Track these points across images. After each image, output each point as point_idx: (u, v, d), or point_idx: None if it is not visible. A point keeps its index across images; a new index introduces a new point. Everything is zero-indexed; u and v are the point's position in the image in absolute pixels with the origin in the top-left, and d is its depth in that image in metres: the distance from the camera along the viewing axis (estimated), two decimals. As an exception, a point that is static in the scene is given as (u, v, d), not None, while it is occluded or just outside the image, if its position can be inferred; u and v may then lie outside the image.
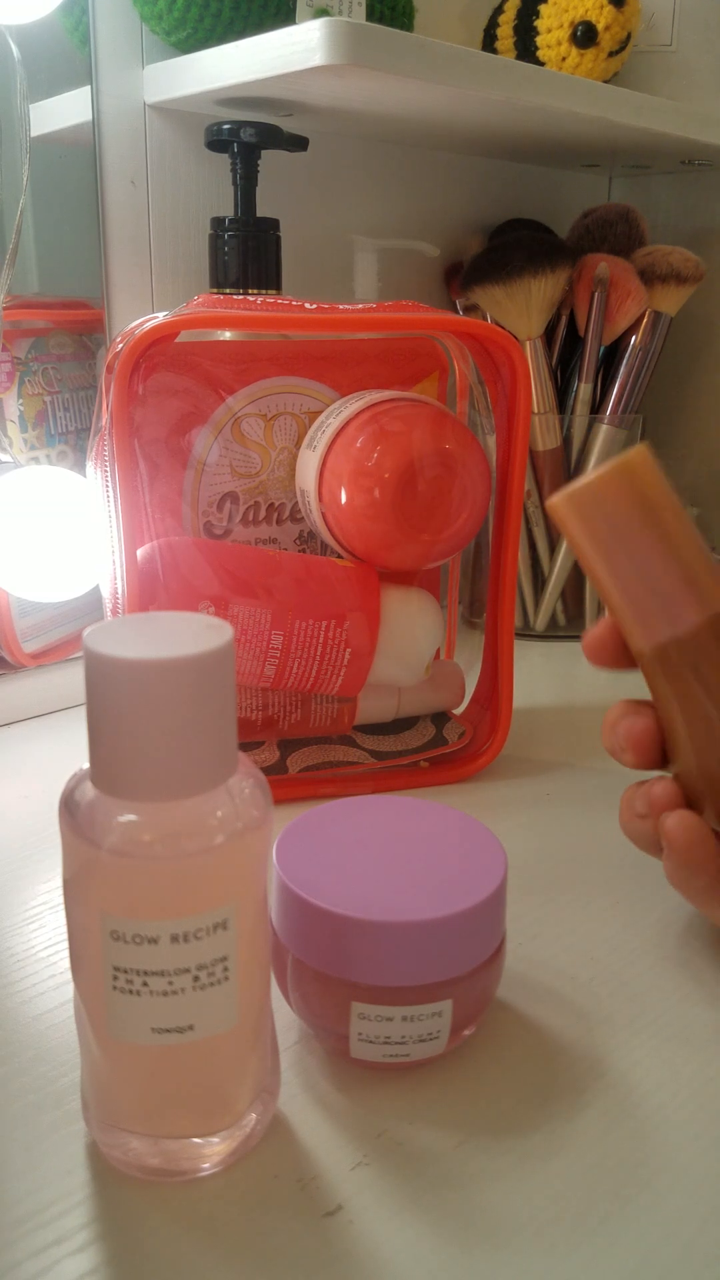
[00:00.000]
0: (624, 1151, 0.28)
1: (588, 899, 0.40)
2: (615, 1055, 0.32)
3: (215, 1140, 0.27)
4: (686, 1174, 0.28)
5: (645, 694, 0.35)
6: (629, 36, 0.62)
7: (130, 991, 0.25)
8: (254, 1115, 0.28)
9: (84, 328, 0.58)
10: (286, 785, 0.49)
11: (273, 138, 0.55)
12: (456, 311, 0.74)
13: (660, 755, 0.34)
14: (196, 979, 0.25)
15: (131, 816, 0.25)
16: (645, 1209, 0.27)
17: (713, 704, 0.32)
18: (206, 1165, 0.27)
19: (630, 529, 0.32)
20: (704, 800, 0.33)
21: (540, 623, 0.74)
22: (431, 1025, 0.30)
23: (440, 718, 0.53)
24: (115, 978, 0.25)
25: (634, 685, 0.36)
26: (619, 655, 0.34)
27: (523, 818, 0.47)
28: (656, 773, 0.35)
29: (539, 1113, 0.30)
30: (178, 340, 0.46)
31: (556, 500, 0.32)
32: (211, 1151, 0.27)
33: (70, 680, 0.59)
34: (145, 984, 0.25)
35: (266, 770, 0.49)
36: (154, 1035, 0.26)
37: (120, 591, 0.45)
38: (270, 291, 0.56)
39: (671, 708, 0.33)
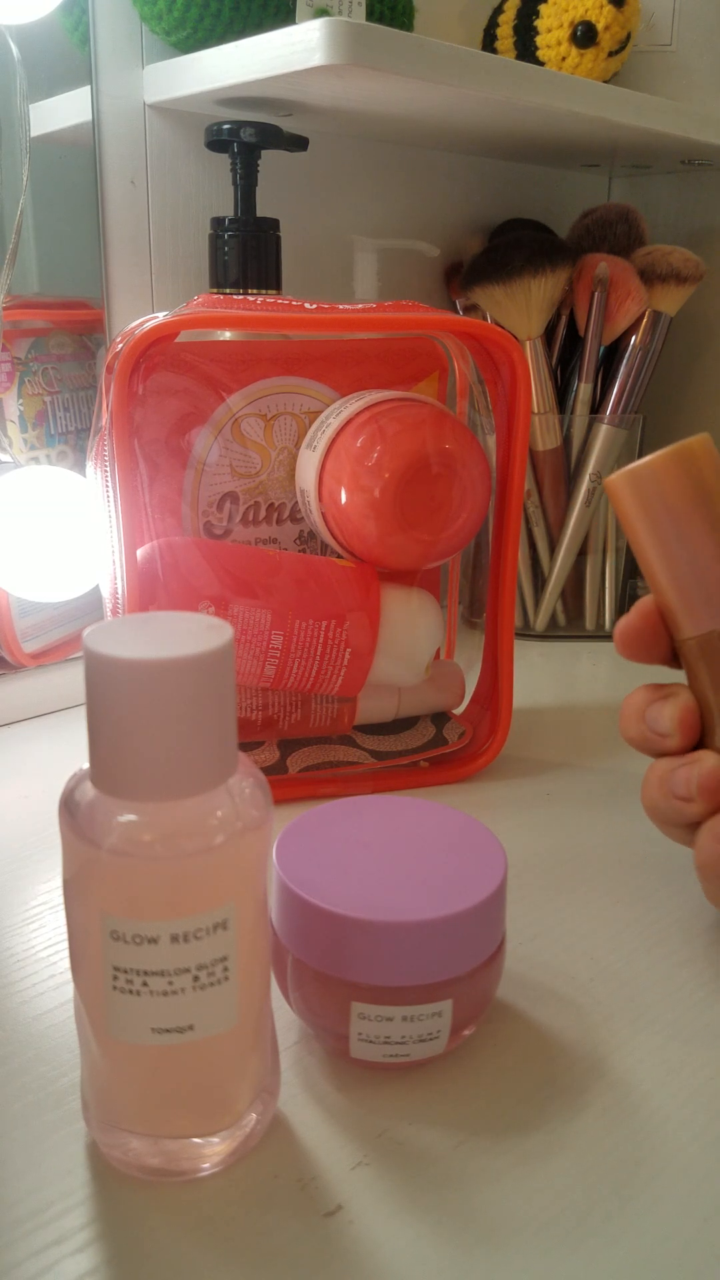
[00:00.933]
0: (624, 1151, 0.28)
1: (588, 899, 0.40)
2: (615, 1055, 0.32)
3: (215, 1140, 0.27)
4: (686, 1174, 0.28)
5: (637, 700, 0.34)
6: (629, 36, 0.62)
7: (130, 991, 0.25)
8: (254, 1115, 0.28)
9: (84, 328, 0.58)
10: (286, 785, 0.49)
11: (272, 138, 0.55)
12: (456, 311, 0.74)
13: (701, 736, 0.34)
14: (196, 979, 0.25)
15: (131, 816, 0.25)
16: (645, 1209, 0.27)
17: None
18: (206, 1165, 0.27)
19: (686, 514, 0.31)
20: None
21: (540, 623, 0.74)
22: (431, 1025, 0.30)
23: (440, 718, 0.53)
24: (115, 978, 0.25)
25: (636, 684, 0.36)
26: (653, 647, 0.34)
27: (523, 818, 0.47)
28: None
29: (539, 1113, 0.30)
30: (178, 340, 0.46)
31: (615, 478, 0.32)
32: (211, 1151, 0.27)
33: (70, 680, 0.59)
34: (145, 984, 0.25)
35: (266, 770, 0.49)
36: (154, 1035, 0.26)
37: (120, 591, 0.45)
38: (270, 291, 0.56)
39: (714, 697, 0.33)
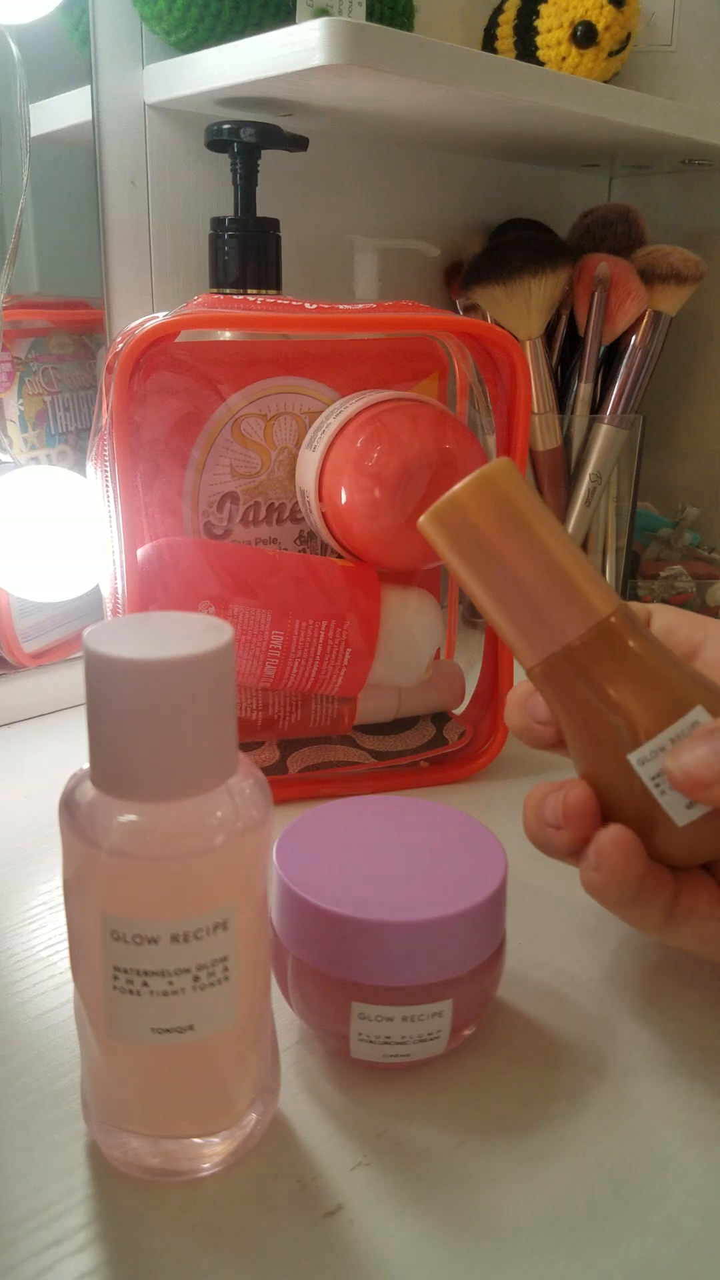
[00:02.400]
0: (624, 1151, 0.28)
1: (588, 899, 0.40)
2: (615, 1055, 0.32)
3: (215, 1140, 0.27)
4: (686, 1174, 0.28)
5: None
6: (629, 36, 0.62)
7: (130, 991, 0.25)
8: (254, 1115, 0.28)
9: (84, 328, 0.58)
10: (286, 785, 0.49)
11: (273, 138, 0.55)
12: (456, 311, 0.74)
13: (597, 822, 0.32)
14: (196, 979, 0.25)
15: (131, 816, 0.25)
16: (645, 1209, 0.27)
17: (609, 710, 0.30)
18: (207, 1165, 0.27)
19: (499, 543, 0.30)
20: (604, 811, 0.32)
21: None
22: (432, 1025, 0.30)
23: (440, 718, 0.53)
24: (115, 978, 0.25)
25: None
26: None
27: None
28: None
29: (539, 1113, 0.30)
30: (178, 340, 0.46)
31: (423, 519, 0.31)
32: (212, 1151, 0.27)
33: (70, 680, 0.59)
34: (145, 984, 0.25)
35: (266, 770, 0.49)
36: (154, 1035, 0.26)
37: (120, 591, 0.45)
38: (270, 291, 0.56)
39: (566, 720, 0.32)
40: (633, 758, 0.30)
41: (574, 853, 0.32)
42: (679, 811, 0.30)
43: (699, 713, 0.30)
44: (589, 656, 0.30)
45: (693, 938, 0.31)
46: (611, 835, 0.30)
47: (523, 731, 0.35)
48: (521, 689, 0.35)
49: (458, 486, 0.30)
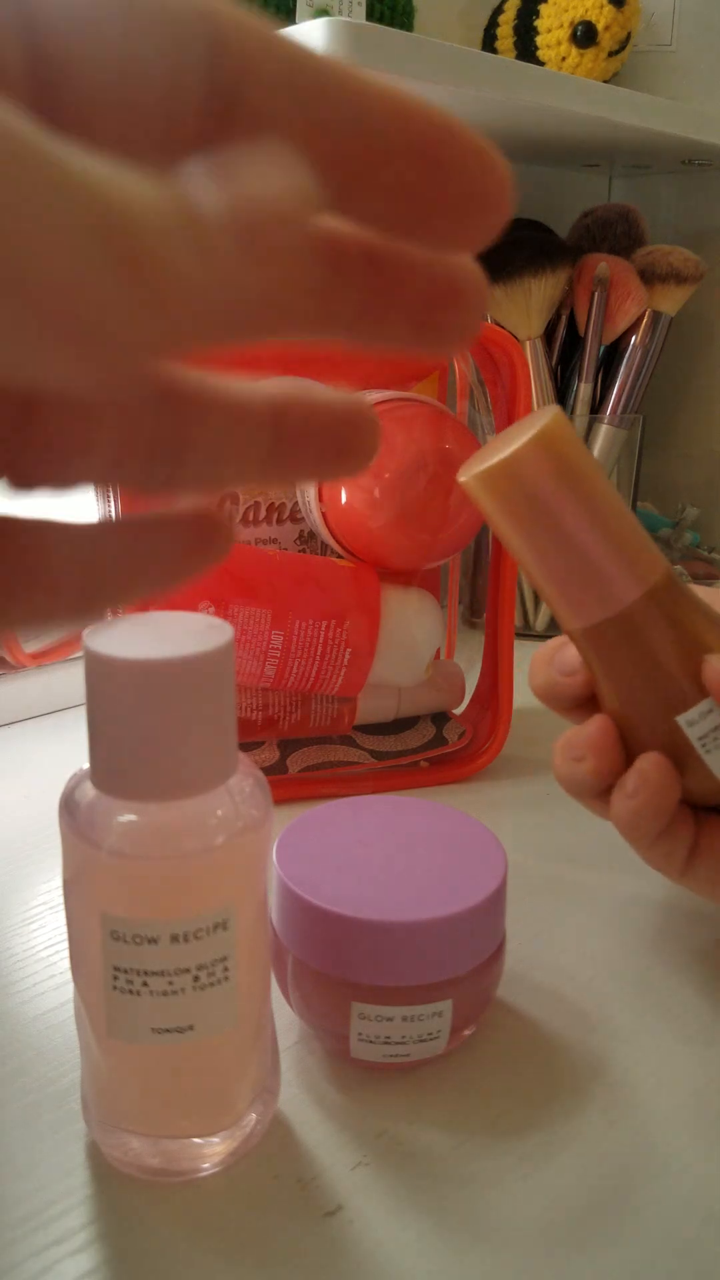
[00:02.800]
0: (624, 1151, 0.28)
1: (588, 899, 0.40)
2: (615, 1055, 0.32)
3: (215, 1140, 0.27)
4: (687, 1174, 0.28)
5: None
6: (629, 36, 0.62)
7: (130, 991, 0.25)
8: (254, 1115, 0.28)
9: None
10: (286, 785, 0.49)
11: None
12: (456, 311, 0.74)
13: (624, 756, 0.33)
14: (196, 979, 0.25)
15: (131, 817, 0.25)
16: (645, 1209, 0.27)
17: (659, 674, 0.30)
18: (206, 1165, 0.27)
19: (554, 506, 0.28)
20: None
21: (540, 623, 0.74)
22: (431, 1025, 0.30)
23: (440, 718, 0.53)
24: (115, 978, 0.25)
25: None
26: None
27: (523, 818, 0.47)
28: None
29: (539, 1113, 0.30)
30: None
31: (469, 480, 0.29)
32: (211, 1151, 0.27)
33: (70, 680, 0.59)
34: (145, 984, 0.25)
35: (266, 770, 0.49)
36: (154, 1035, 0.26)
37: (120, 591, 0.45)
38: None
39: (609, 682, 0.32)
40: (681, 720, 0.30)
41: (601, 789, 0.33)
42: None
43: None
44: (644, 620, 0.30)
45: (708, 879, 0.33)
46: (653, 758, 0.31)
47: (547, 689, 0.34)
48: (549, 647, 0.34)
49: (512, 446, 0.28)
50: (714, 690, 0.30)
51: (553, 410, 0.29)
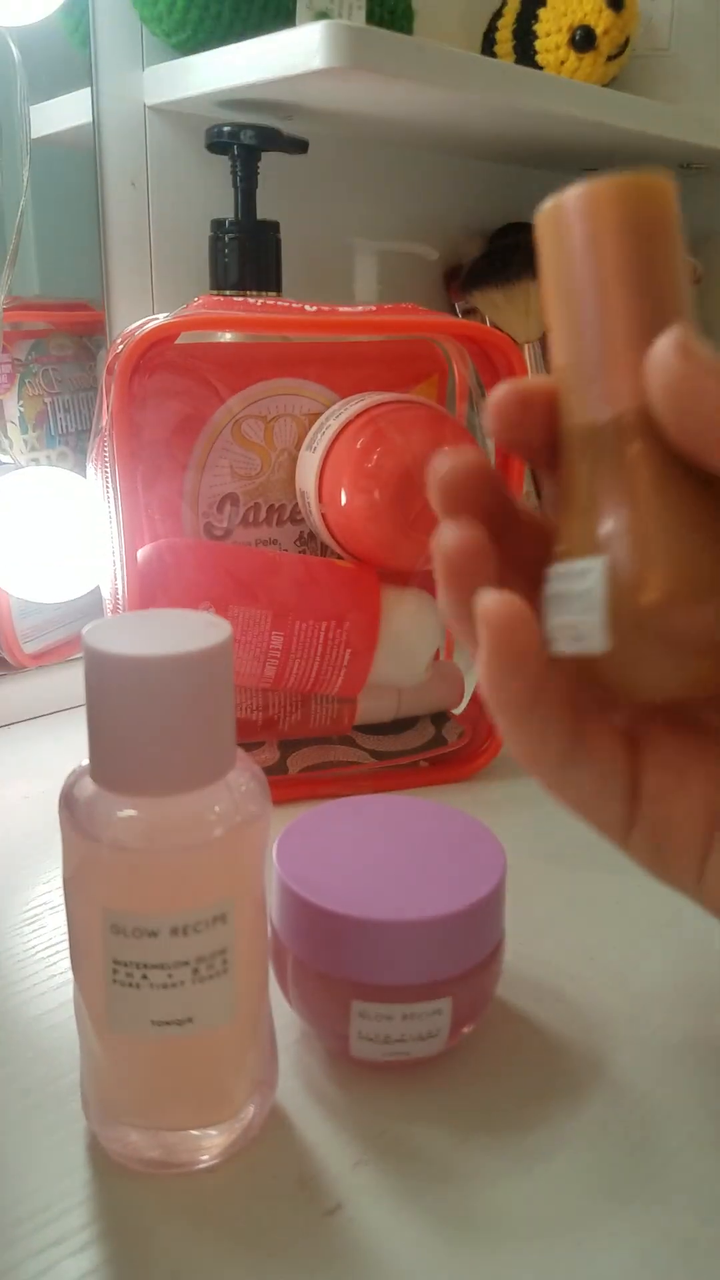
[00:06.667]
0: (624, 1151, 0.28)
1: (588, 899, 0.40)
2: (615, 1055, 0.32)
3: (213, 1132, 0.27)
4: (686, 1174, 0.28)
5: None
6: (627, 40, 0.62)
7: (130, 984, 0.25)
8: (252, 1108, 0.28)
9: (84, 329, 0.58)
10: (287, 785, 0.49)
11: (273, 140, 0.55)
12: (456, 315, 0.74)
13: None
14: (196, 971, 0.25)
15: (130, 811, 0.25)
16: (645, 1209, 0.27)
17: (654, 490, 0.23)
18: (205, 1157, 0.27)
19: (620, 268, 0.24)
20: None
21: (539, 625, 0.74)
22: (431, 1023, 0.30)
23: (440, 718, 0.53)
24: (115, 971, 0.25)
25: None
26: (529, 424, 0.26)
27: (523, 817, 0.47)
28: None
29: (539, 1112, 0.30)
30: (178, 342, 0.47)
31: (545, 209, 0.24)
32: (210, 1144, 0.27)
33: (70, 681, 0.59)
34: (145, 977, 0.25)
35: (267, 770, 0.49)
36: (153, 1028, 0.26)
37: (120, 592, 0.45)
38: (270, 294, 0.56)
39: (584, 495, 0.25)
40: (554, 568, 0.25)
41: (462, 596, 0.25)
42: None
43: (590, 563, 0.23)
44: (624, 438, 0.24)
45: (591, 784, 0.26)
46: (504, 595, 0.24)
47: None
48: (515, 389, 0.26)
49: (601, 181, 0.24)
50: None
51: (667, 175, 0.25)
